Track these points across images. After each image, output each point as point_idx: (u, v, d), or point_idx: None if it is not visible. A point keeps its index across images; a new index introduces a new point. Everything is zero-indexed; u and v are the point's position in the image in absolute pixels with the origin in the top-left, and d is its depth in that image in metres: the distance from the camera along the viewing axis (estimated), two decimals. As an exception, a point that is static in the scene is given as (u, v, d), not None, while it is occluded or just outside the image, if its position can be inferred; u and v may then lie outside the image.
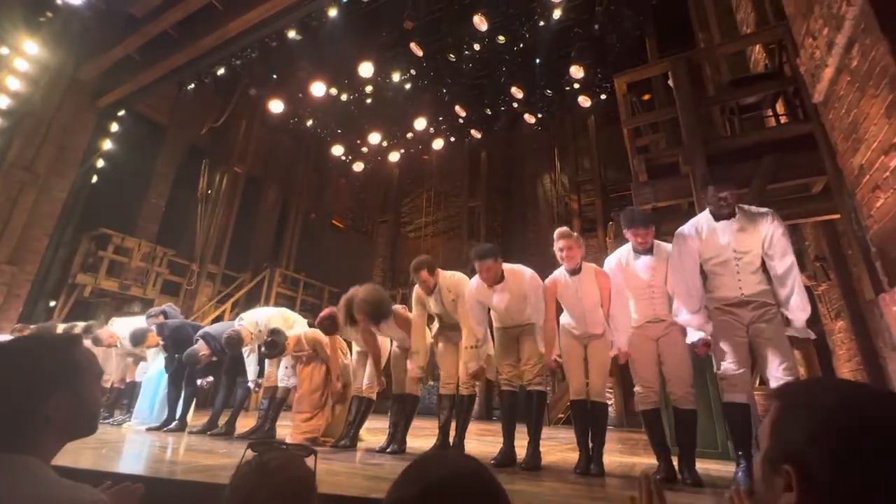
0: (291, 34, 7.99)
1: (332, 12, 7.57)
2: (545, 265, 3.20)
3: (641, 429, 2.79)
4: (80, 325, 5.40)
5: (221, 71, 8.67)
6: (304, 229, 12.79)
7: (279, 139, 12.50)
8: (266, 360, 4.33)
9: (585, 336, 2.82)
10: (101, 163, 8.63)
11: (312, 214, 13.46)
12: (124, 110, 8.96)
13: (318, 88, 9.80)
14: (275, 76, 9.84)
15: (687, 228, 2.63)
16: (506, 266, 2.97)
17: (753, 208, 2.55)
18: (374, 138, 11.90)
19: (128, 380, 5.25)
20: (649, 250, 2.70)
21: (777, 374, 2.24)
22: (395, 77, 9.82)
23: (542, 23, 8.31)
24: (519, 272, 2.96)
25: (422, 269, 3.20)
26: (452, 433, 3.20)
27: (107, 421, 4.94)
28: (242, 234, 11.10)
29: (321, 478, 0.97)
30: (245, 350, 4.32)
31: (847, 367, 4.38)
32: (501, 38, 8.95)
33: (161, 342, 4.67)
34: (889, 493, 0.46)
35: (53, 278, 7.86)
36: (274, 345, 3.83)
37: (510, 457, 2.84)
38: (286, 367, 4.09)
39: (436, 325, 3.47)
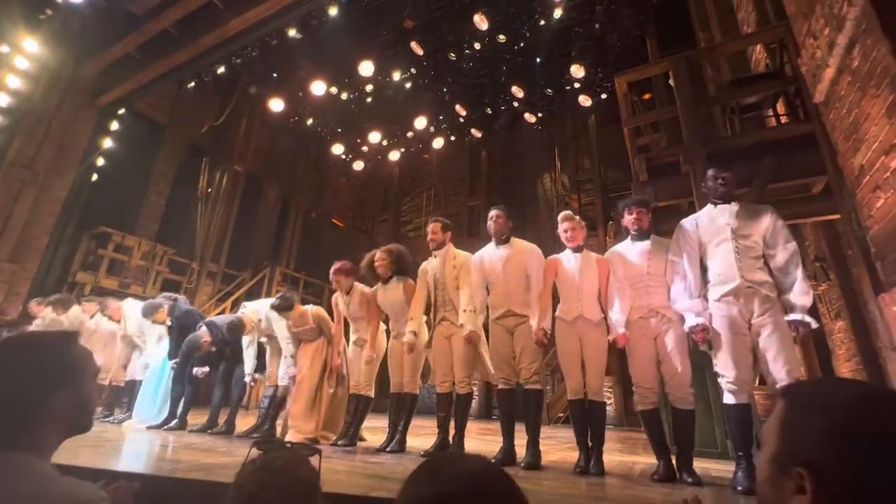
0: (292, 33, 7.98)
1: (333, 11, 7.56)
2: (545, 264, 3.21)
3: (641, 428, 2.79)
4: (96, 300, 5.65)
5: (222, 69, 8.66)
6: (305, 228, 12.78)
7: (279, 138, 12.49)
8: (267, 358, 4.32)
9: (579, 321, 2.79)
10: (101, 161, 8.62)
11: (313, 213, 13.46)
12: (124, 109, 8.95)
13: (318, 87, 9.79)
14: (275, 75, 9.83)
15: (686, 220, 2.69)
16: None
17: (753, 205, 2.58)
18: (375, 137, 11.89)
19: (127, 378, 5.25)
20: (646, 235, 2.76)
21: (779, 374, 2.23)
22: (396, 76, 9.81)
23: (542, 22, 8.31)
24: (527, 243, 3.11)
25: (437, 223, 3.43)
26: (452, 431, 3.21)
27: (107, 419, 4.95)
28: (243, 232, 11.10)
29: (322, 476, 0.97)
30: (245, 341, 4.32)
31: (846, 367, 4.38)
32: (502, 37, 8.94)
33: (169, 322, 4.72)
34: None
35: (54, 276, 7.87)
36: (284, 299, 3.86)
37: (510, 456, 2.85)
38: (288, 365, 4.07)
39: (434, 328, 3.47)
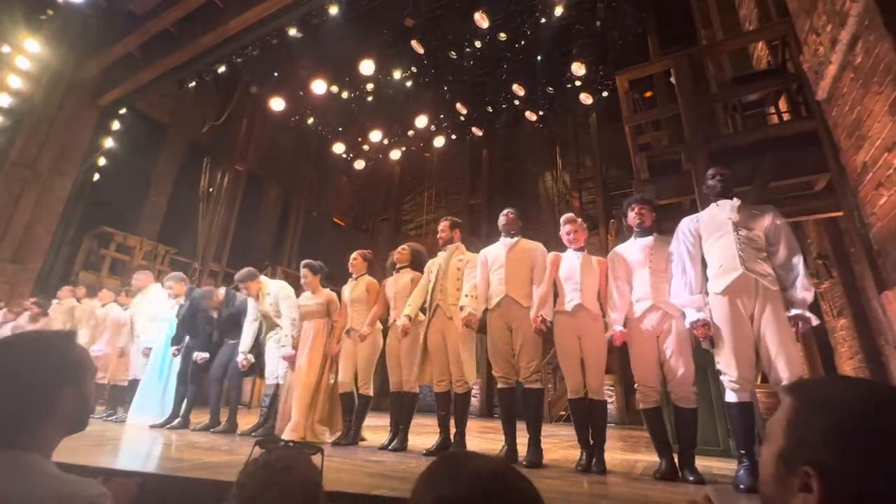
0: (292, 32, 7.97)
1: (333, 10, 7.55)
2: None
3: (643, 426, 2.79)
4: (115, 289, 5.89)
5: (222, 69, 8.66)
6: (306, 227, 12.80)
7: (280, 137, 12.50)
8: (266, 356, 4.28)
9: (580, 312, 2.79)
10: (102, 161, 8.65)
11: (314, 212, 13.48)
12: (125, 108, 8.98)
13: (318, 86, 9.80)
14: (276, 74, 9.84)
15: (687, 217, 2.70)
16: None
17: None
18: (375, 136, 11.89)
19: (130, 377, 5.26)
20: (648, 231, 2.78)
21: (781, 372, 2.22)
22: (396, 75, 9.81)
23: (543, 20, 8.29)
24: (535, 242, 3.17)
25: (446, 221, 3.54)
26: (453, 430, 3.22)
27: (110, 418, 4.97)
28: (244, 232, 11.12)
29: (324, 475, 0.97)
30: (249, 318, 4.29)
31: (849, 365, 4.37)
32: (503, 36, 8.93)
33: (184, 300, 4.72)
34: None
35: (56, 276, 7.89)
36: (312, 266, 4.06)
37: (512, 454, 2.85)
38: (283, 345, 4.05)
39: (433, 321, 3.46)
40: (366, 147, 12.46)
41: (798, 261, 2.35)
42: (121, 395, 5.27)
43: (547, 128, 11.47)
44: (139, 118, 9.54)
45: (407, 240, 13.50)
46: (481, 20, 8.09)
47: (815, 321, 2.29)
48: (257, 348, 4.30)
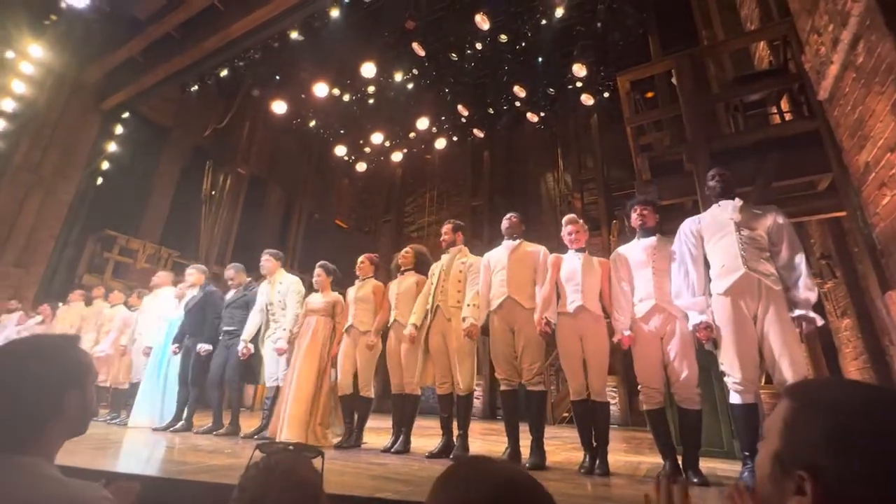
0: (294, 35, 8.01)
1: (334, 13, 7.58)
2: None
3: (646, 427, 2.78)
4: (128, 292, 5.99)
5: (224, 72, 8.71)
6: (308, 229, 12.83)
7: (282, 140, 12.54)
8: (265, 359, 4.26)
9: (581, 313, 2.78)
10: (105, 165, 8.70)
11: (316, 215, 13.50)
12: (128, 113, 9.02)
13: (320, 89, 9.83)
14: (277, 77, 9.87)
15: (689, 218, 2.70)
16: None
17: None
18: (377, 138, 11.92)
19: (133, 380, 5.27)
20: (651, 232, 2.79)
21: (785, 372, 2.21)
22: (398, 77, 9.83)
23: (544, 21, 8.30)
24: (537, 245, 3.19)
25: (449, 224, 3.59)
26: (456, 432, 3.21)
27: (114, 421, 4.98)
28: (246, 234, 11.14)
29: (326, 478, 0.97)
30: (255, 308, 4.31)
31: (853, 366, 4.35)
32: (503, 37, 8.94)
33: (198, 291, 4.73)
34: None
35: (60, 280, 7.92)
36: (327, 268, 4.13)
37: (516, 457, 2.84)
38: (279, 338, 4.06)
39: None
40: (367, 149, 12.49)
41: (801, 260, 2.34)
42: (123, 398, 5.28)
43: (548, 129, 11.48)
44: (142, 122, 9.59)
45: (409, 241, 13.51)
46: (482, 22, 8.11)
47: (819, 321, 2.27)
48: (254, 344, 4.29)
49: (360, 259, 4.04)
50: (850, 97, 2.33)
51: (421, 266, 3.74)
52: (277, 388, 4.10)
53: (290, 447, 1.01)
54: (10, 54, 7.48)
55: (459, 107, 10.87)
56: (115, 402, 5.36)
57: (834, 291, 4.62)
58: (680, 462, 2.48)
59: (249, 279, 4.79)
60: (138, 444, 3.40)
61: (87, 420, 0.95)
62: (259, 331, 4.29)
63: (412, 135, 11.87)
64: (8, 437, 0.82)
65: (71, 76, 8.16)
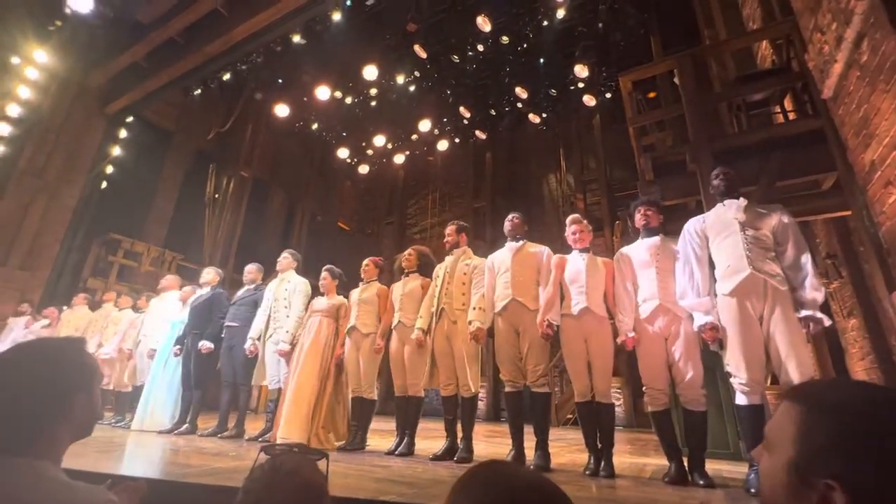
0: (296, 39, 8.04)
1: (336, 16, 7.61)
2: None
3: (651, 429, 2.76)
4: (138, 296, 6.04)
5: (227, 76, 8.74)
6: (311, 232, 12.86)
7: (285, 143, 12.59)
8: (267, 361, 4.26)
9: (585, 315, 2.76)
10: (110, 169, 8.75)
11: (318, 217, 13.54)
12: (132, 117, 9.08)
13: (322, 92, 9.86)
14: (280, 80, 9.92)
15: (693, 218, 2.68)
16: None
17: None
18: (379, 140, 11.95)
19: (138, 382, 5.29)
20: (655, 232, 2.78)
21: (792, 373, 2.18)
22: (400, 79, 9.86)
23: (545, 22, 8.31)
24: (540, 245, 3.17)
25: (453, 225, 3.55)
26: (460, 434, 3.20)
27: (119, 424, 4.99)
28: (249, 237, 11.18)
29: (330, 480, 0.97)
30: (262, 307, 4.31)
31: (860, 366, 4.32)
32: (505, 39, 8.95)
33: (208, 291, 4.76)
34: None
35: (65, 283, 7.97)
36: (333, 271, 4.16)
37: (520, 458, 2.83)
38: (281, 334, 4.06)
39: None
40: (370, 152, 12.52)
41: (807, 260, 2.32)
42: (127, 401, 5.30)
43: (550, 130, 11.48)
44: (146, 126, 9.64)
45: (412, 243, 13.54)
46: (483, 24, 8.12)
47: (826, 322, 2.24)
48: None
49: (365, 262, 4.06)
50: (855, 95, 2.31)
51: (424, 268, 3.74)
52: (279, 391, 4.10)
53: (295, 449, 1.01)
54: (15, 60, 7.54)
55: (461, 108, 10.89)
56: (120, 405, 5.37)
57: (840, 291, 4.59)
58: (686, 464, 2.46)
59: (261, 281, 4.83)
60: (142, 447, 3.41)
61: (93, 422, 0.95)
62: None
63: (414, 137, 11.90)
64: (14, 439, 0.82)
65: (75, 81, 8.23)
